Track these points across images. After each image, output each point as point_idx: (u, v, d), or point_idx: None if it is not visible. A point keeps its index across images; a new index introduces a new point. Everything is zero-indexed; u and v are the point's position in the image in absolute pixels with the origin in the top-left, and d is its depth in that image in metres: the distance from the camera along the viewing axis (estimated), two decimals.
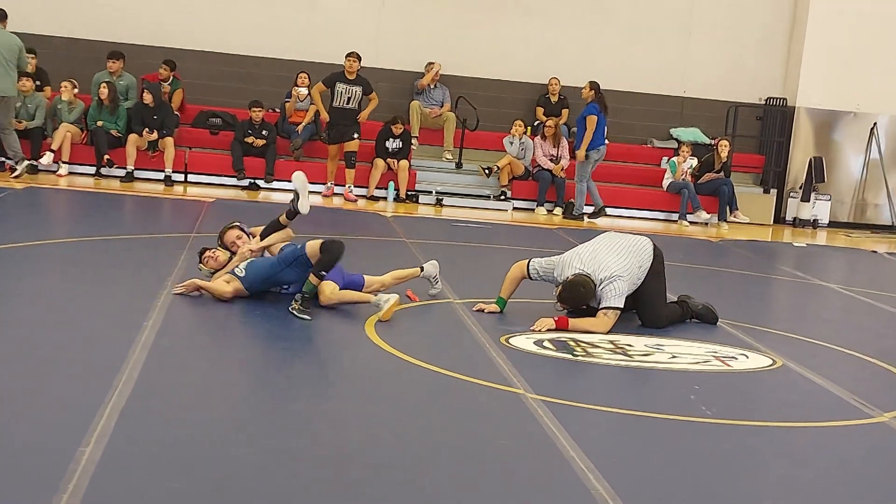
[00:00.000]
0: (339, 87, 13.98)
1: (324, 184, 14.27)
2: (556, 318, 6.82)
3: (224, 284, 6.84)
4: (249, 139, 14.36)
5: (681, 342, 6.88)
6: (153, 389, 4.87)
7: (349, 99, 14.02)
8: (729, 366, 6.40)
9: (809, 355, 6.92)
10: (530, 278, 7.23)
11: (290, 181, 7.55)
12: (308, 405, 4.92)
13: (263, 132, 14.46)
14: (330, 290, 6.84)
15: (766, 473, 4.53)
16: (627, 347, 6.58)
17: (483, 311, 7.14)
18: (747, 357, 6.66)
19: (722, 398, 5.73)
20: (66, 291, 6.88)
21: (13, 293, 6.78)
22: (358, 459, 4.19)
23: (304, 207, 7.17)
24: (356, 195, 14.21)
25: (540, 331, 6.70)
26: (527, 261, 7.25)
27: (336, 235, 10.21)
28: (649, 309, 7.24)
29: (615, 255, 7.01)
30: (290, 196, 7.28)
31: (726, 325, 7.59)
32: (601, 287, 6.89)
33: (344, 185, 14.23)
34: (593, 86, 14.35)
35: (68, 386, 4.79)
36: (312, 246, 6.83)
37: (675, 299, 7.57)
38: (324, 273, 6.74)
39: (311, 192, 7.47)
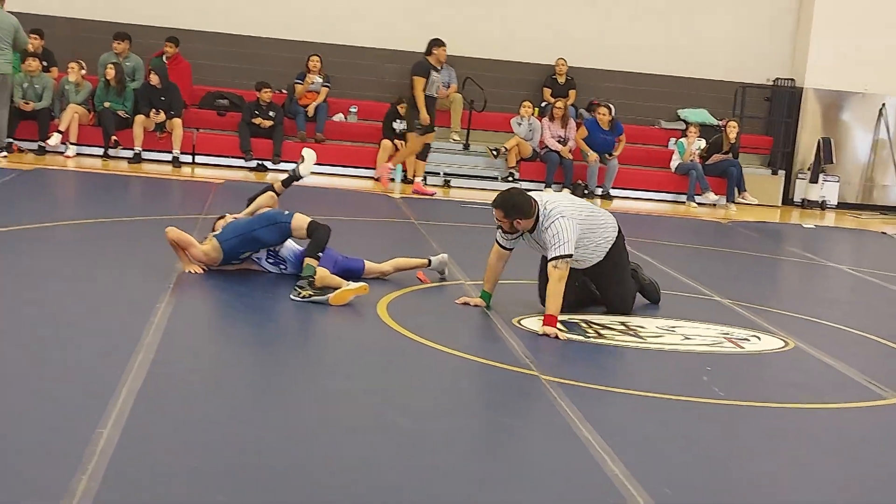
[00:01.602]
0: (433, 76, 13.38)
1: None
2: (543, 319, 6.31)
3: (198, 244, 7.00)
4: (256, 120, 14.34)
5: (692, 324, 6.88)
6: (168, 370, 4.88)
7: (437, 88, 13.71)
8: (741, 347, 6.40)
9: (821, 337, 6.92)
10: (508, 249, 6.69)
11: (297, 162, 7.63)
12: (321, 386, 4.92)
13: (270, 113, 14.43)
14: (320, 275, 6.66)
15: (782, 454, 4.54)
16: (639, 329, 6.58)
17: (468, 304, 6.74)
18: (759, 339, 6.66)
19: (735, 380, 5.74)
20: (78, 273, 6.88)
21: (24, 275, 6.79)
22: (372, 440, 4.20)
23: (304, 170, 7.53)
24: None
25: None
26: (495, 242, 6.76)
27: (344, 217, 10.24)
28: (618, 286, 6.84)
29: (572, 202, 6.71)
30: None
31: (737, 306, 7.59)
32: (545, 225, 6.39)
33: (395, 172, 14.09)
34: (610, 109, 15.30)
35: (84, 367, 4.80)
36: (299, 220, 6.85)
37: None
38: (320, 255, 6.72)
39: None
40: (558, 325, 6.40)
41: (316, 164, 7.75)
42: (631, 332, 6.47)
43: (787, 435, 4.84)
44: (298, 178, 7.58)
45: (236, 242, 6.93)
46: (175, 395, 4.57)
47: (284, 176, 7.71)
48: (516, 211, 6.42)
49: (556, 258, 6.34)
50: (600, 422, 4.60)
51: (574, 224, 6.42)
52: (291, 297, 6.47)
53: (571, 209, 6.53)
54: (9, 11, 12.92)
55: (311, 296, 6.44)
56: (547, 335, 6.12)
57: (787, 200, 16.52)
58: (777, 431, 4.88)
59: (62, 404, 4.26)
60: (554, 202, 6.52)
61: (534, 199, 6.45)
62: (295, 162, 7.78)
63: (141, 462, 3.73)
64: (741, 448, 4.60)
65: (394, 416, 4.50)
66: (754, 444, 4.66)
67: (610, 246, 6.75)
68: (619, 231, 6.84)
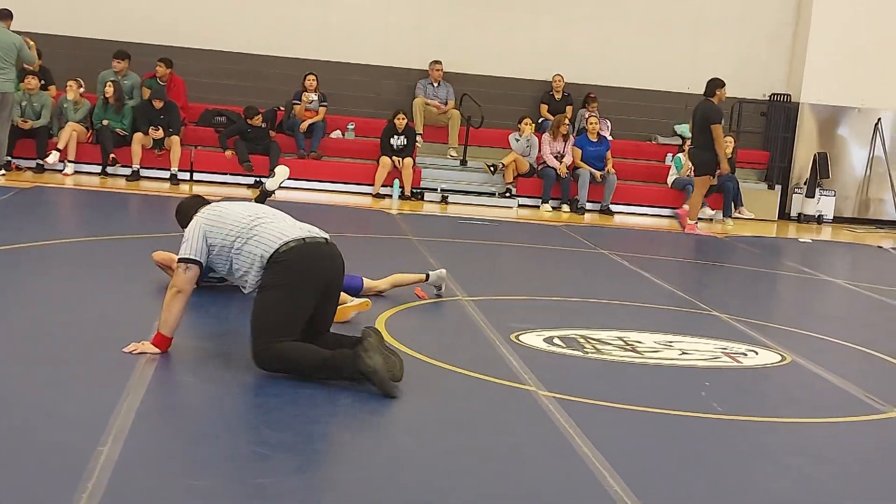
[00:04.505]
0: None
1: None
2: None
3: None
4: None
5: (690, 339, 6.90)
6: (167, 386, 4.90)
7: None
8: (739, 362, 6.41)
9: (818, 351, 6.93)
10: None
11: (293, 178, 7.78)
12: (320, 403, 4.92)
13: (262, 125, 14.49)
14: None
15: (780, 469, 4.54)
16: (637, 344, 6.59)
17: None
18: (756, 353, 6.68)
19: (733, 395, 5.75)
20: (77, 291, 6.89)
21: (24, 292, 6.80)
22: (372, 458, 4.20)
23: (271, 185, 7.70)
24: None
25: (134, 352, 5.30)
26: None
27: (342, 234, 10.26)
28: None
29: (227, 207, 5.49)
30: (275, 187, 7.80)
31: (734, 321, 7.60)
32: None
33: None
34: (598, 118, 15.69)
35: (83, 384, 4.80)
36: None
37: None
38: None
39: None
40: (555, 339, 6.42)
41: (306, 180, 7.90)
42: (628, 348, 6.48)
43: (785, 449, 4.85)
44: (268, 193, 7.69)
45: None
46: (175, 412, 4.58)
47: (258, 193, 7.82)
48: (178, 216, 5.74)
49: (179, 260, 5.39)
50: (599, 437, 4.61)
51: (197, 224, 5.35)
52: None
53: (208, 212, 5.44)
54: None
55: None
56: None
57: (784, 215, 16.57)
58: (776, 446, 4.89)
59: (62, 421, 4.26)
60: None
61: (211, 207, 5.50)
62: (292, 178, 7.88)
63: (140, 480, 3.73)
64: (741, 463, 4.61)
65: (395, 434, 4.51)
66: (754, 459, 4.67)
67: (263, 266, 5.21)
68: (294, 260, 5.17)
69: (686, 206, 13.76)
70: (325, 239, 5.36)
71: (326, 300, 5.34)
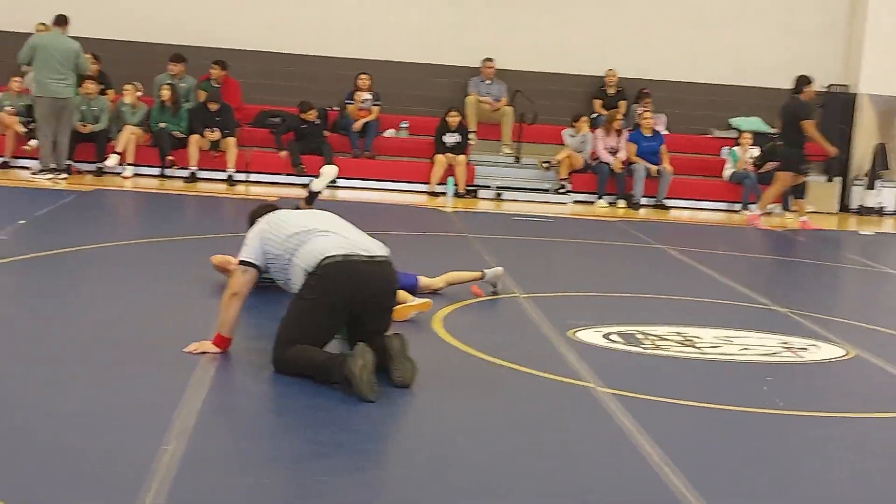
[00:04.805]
0: None
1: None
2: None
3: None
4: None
5: (751, 333, 6.82)
6: (229, 384, 4.95)
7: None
8: (801, 357, 6.33)
9: (881, 345, 6.81)
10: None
11: (347, 178, 7.80)
12: (378, 402, 4.92)
13: (317, 121, 14.55)
14: None
15: (845, 466, 4.47)
16: (696, 339, 6.53)
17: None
18: (819, 347, 6.58)
19: (795, 389, 5.67)
20: (137, 291, 6.97)
21: (85, 294, 6.91)
22: (429, 457, 4.20)
23: (316, 185, 7.78)
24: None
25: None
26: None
27: (398, 232, 10.29)
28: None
29: (291, 216, 5.59)
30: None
31: (795, 315, 7.50)
32: None
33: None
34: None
35: (146, 384, 4.86)
36: None
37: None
38: None
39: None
40: (613, 334, 6.38)
41: (361, 178, 7.89)
42: (688, 343, 6.42)
43: (849, 445, 4.77)
44: (315, 193, 7.73)
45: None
46: (237, 408, 4.63)
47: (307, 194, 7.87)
48: (249, 220, 5.85)
49: (238, 262, 5.53)
50: (659, 434, 4.57)
51: (257, 229, 5.51)
52: None
53: (270, 218, 5.57)
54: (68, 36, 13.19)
55: None
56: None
57: (844, 207, 16.32)
58: (840, 442, 4.82)
59: (126, 421, 4.32)
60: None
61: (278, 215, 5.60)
62: (345, 177, 7.92)
63: (206, 478, 3.77)
64: (803, 459, 4.55)
65: (451, 433, 4.51)
66: (816, 455, 4.61)
67: (308, 273, 5.19)
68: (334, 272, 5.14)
69: (803, 219, 13.56)
70: (371, 256, 5.27)
71: (369, 317, 5.28)
